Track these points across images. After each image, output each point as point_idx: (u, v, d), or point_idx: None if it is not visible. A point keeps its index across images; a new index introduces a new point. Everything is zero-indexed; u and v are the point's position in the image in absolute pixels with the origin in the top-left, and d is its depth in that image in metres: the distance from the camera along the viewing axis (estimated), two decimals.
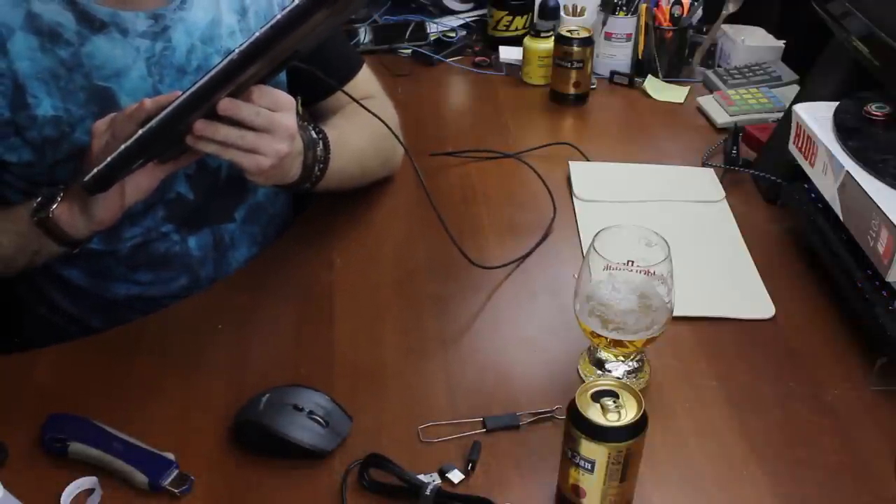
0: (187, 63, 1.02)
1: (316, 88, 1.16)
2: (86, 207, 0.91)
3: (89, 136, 0.89)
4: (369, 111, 1.05)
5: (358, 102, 1.05)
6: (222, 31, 1.05)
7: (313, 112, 1.18)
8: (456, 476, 0.79)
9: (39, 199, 0.93)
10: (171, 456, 0.79)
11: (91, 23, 0.96)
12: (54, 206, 0.92)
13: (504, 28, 1.70)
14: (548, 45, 1.52)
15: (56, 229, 0.93)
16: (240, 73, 0.79)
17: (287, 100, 0.89)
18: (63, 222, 0.92)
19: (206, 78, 0.78)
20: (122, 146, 0.81)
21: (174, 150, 0.91)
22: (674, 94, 1.52)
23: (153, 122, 0.80)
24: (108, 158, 0.82)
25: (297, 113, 0.91)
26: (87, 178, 0.84)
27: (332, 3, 0.76)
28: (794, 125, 1.09)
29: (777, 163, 1.17)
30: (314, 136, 1.02)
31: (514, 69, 1.61)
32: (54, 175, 1.00)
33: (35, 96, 0.96)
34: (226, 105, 0.83)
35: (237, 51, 0.77)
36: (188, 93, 0.79)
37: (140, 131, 0.81)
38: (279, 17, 0.75)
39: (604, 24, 1.56)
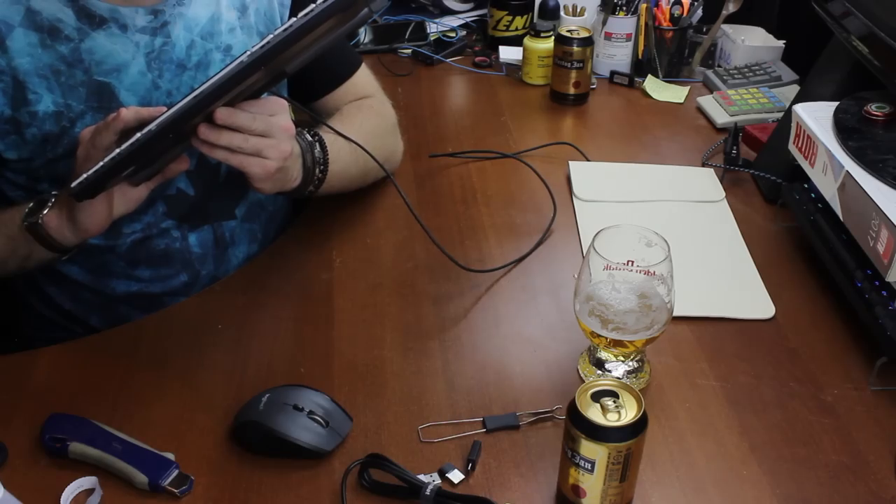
0: (187, 59, 1.03)
1: (312, 89, 1.16)
2: (73, 215, 0.91)
3: None
4: (346, 137, 1.05)
5: (332, 129, 1.04)
6: (222, 28, 1.05)
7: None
8: (456, 476, 0.79)
9: (31, 203, 0.94)
10: (171, 456, 0.79)
11: (91, 18, 0.97)
12: (44, 212, 0.92)
13: (504, 28, 1.70)
14: (548, 45, 1.52)
15: (45, 235, 0.93)
16: (245, 80, 0.78)
17: (278, 103, 0.89)
18: (51, 229, 0.93)
19: (209, 82, 0.78)
20: (116, 151, 0.80)
21: (165, 159, 0.90)
22: (674, 94, 1.52)
23: (152, 127, 0.79)
24: (98, 165, 0.81)
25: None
26: (74, 185, 0.83)
27: (348, 7, 0.76)
28: (794, 125, 1.09)
29: (777, 163, 1.17)
30: (309, 138, 1.02)
31: (514, 69, 1.61)
32: (54, 171, 1.00)
33: (35, 92, 0.96)
34: (223, 115, 0.83)
35: (247, 54, 0.76)
36: (188, 98, 0.78)
37: (138, 135, 0.79)
38: (294, 21, 0.75)
39: (604, 24, 1.56)
